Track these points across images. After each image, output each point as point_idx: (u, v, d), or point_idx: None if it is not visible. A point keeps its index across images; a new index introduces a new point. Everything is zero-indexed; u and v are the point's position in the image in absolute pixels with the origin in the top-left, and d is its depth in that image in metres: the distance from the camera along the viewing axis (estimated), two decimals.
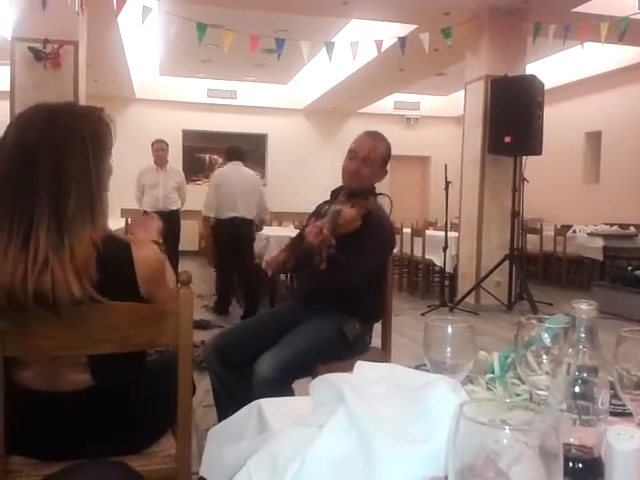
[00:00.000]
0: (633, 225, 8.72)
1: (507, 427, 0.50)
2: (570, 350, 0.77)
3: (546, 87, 6.79)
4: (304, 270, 2.62)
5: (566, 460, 0.74)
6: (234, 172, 6.06)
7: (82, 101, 6.09)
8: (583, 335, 0.75)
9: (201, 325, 5.29)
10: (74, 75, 6.00)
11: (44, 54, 5.77)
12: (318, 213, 2.63)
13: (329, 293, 2.43)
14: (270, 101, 13.10)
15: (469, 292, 6.78)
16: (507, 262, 6.67)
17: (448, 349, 0.95)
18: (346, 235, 2.33)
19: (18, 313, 1.27)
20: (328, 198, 2.70)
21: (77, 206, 1.34)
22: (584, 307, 0.74)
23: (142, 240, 1.49)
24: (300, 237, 2.71)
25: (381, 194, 2.66)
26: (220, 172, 6.27)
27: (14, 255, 1.27)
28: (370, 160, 2.51)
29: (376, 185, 2.65)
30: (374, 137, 2.58)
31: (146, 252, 1.46)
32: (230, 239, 5.97)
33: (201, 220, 6.42)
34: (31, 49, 5.74)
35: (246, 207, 5.98)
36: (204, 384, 3.34)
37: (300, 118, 13.48)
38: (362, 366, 0.93)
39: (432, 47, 6.78)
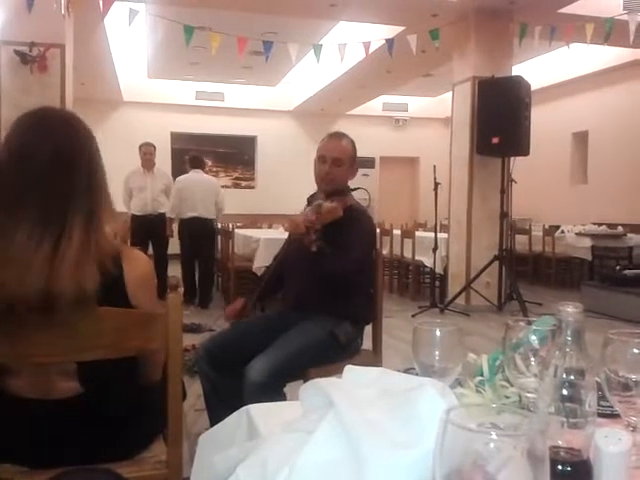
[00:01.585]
0: (621, 225, 8.78)
1: (494, 432, 0.50)
2: (557, 352, 0.78)
3: (533, 88, 6.84)
4: (268, 298, 2.73)
5: (555, 463, 0.74)
6: (195, 178, 7.10)
7: (69, 105, 6.06)
8: (569, 338, 0.75)
9: (191, 329, 5.28)
10: (61, 78, 5.97)
11: (30, 57, 5.74)
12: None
13: (321, 286, 2.44)
14: (258, 103, 13.08)
15: (459, 293, 6.81)
16: (497, 262, 6.71)
17: (437, 352, 0.96)
18: (330, 226, 2.36)
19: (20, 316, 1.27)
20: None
21: (105, 209, 1.42)
22: (570, 310, 0.75)
23: (130, 247, 1.49)
24: (262, 278, 2.80)
25: (358, 188, 2.74)
26: (181, 179, 7.19)
27: (42, 258, 1.30)
28: (341, 161, 2.57)
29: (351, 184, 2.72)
30: (340, 138, 2.65)
31: (136, 259, 1.46)
32: (191, 236, 6.94)
33: (168, 221, 7.20)
34: (17, 52, 5.71)
35: (205, 208, 6.95)
36: (195, 388, 3.33)
37: (289, 120, 13.48)
38: (351, 370, 0.93)
39: (419, 49, 6.81)
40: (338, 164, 2.57)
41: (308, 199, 2.75)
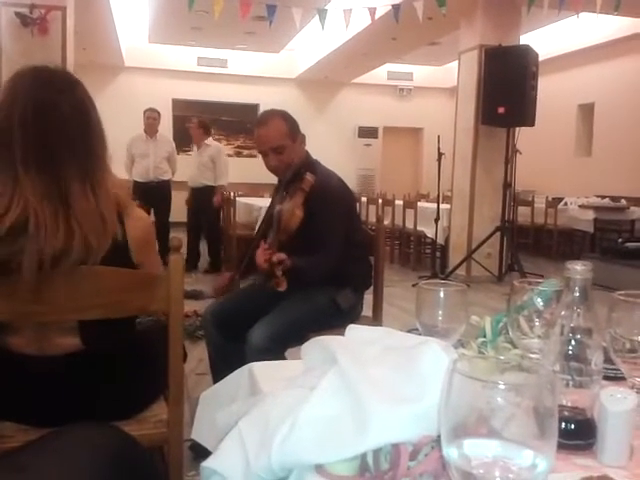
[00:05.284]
0: (624, 197, 8.73)
1: (501, 382, 0.49)
2: (563, 312, 0.77)
3: (540, 58, 6.73)
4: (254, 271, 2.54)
5: (558, 421, 0.74)
6: None
7: (70, 69, 5.98)
8: (577, 294, 0.74)
9: (193, 295, 5.30)
10: (62, 42, 5.88)
11: (31, 19, 5.64)
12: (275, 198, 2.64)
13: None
14: (261, 70, 12.91)
15: (460, 263, 6.80)
16: (498, 234, 6.69)
17: (440, 312, 0.95)
18: (299, 228, 2.29)
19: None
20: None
21: (102, 163, 1.42)
22: (579, 267, 0.74)
23: (132, 204, 1.48)
24: (246, 252, 2.65)
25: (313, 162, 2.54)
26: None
27: (62, 218, 1.30)
28: (280, 147, 2.40)
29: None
30: (265, 123, 2.43)
31: (138, 218, 1.46)
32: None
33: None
34: (18, 14, 5.61)
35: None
36: (196, 353, 3.36)
37: (292, 88, 13.32)
38: (354, 329, 0.93)
39: (426, 16, 6.68)
40: (279, 151, 2.40)
41: (273, 195, 2.70)
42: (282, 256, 2.21)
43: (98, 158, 1.42)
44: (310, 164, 2.49)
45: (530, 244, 9.04)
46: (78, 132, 1.38)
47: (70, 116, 1.37)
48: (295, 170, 2.43)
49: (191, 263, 6.97)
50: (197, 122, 7.15)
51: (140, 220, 1.47)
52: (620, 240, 7.19)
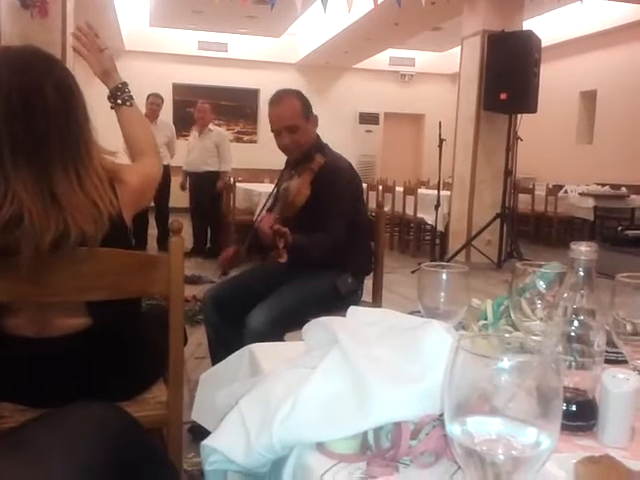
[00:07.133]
0: (624, 185, 8.72)
1: (506, 359, 0.49)
2: (566, 294, 0.76)
3: (543, 44, 6.69)
4: (261, 253, 2.57)
5: None
6: None
7: (71, 51, 5.93)
8: (582, 275, 0.74)
9: (192, 280, 5.30)
10: (62, 24, 5.82)
11: (31, 1, 5.59)
12: (278, 184, 2.64)
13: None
14: (262, 55, 12.82)
15: (460, 250, 6.80)
16: (498, 221, 6.68)
17: (442, 294, 0.95)
18: (304, 206, 2.31)
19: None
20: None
21: (89, 141, 1.38)
22: (583, 248, 0.73)
23: (120, 168, 1.47)
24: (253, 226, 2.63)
25: (323, 145, 2.53)
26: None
27: (54, 214, 1.27)
28: (293, 126, 2.39)
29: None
30: (279, 102, 2.44)
31: (126, 180, 1.46)
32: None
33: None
34: None
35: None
36: (196, 337, 3.37)
37: (293, 73, 13.24)
38: (355, 311, 0.93)
39: (429, 0, 6.63)
40: (293, 130, 2.39)
41: (280, 176, 2.67)
42: (285, 229, 2.22)
43: (85, 137, 1.38)
44: (320, 146, 2.51)
45: (530, 231, 9.04)
46: (64, 115, 1.33)
47: (55, 99, 1.32)
48: (305, 151, 2.44)
49: (198, 249, 6.96)
50: (210, 105, 7.09)
51: (129, 184, 1.46)
52: (620, 228, 7.18)
